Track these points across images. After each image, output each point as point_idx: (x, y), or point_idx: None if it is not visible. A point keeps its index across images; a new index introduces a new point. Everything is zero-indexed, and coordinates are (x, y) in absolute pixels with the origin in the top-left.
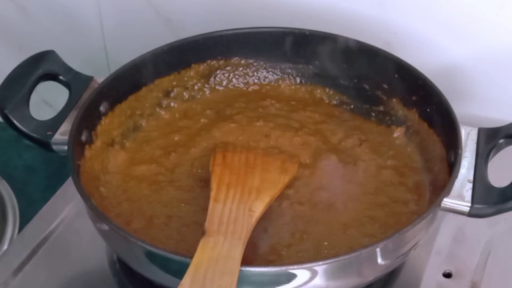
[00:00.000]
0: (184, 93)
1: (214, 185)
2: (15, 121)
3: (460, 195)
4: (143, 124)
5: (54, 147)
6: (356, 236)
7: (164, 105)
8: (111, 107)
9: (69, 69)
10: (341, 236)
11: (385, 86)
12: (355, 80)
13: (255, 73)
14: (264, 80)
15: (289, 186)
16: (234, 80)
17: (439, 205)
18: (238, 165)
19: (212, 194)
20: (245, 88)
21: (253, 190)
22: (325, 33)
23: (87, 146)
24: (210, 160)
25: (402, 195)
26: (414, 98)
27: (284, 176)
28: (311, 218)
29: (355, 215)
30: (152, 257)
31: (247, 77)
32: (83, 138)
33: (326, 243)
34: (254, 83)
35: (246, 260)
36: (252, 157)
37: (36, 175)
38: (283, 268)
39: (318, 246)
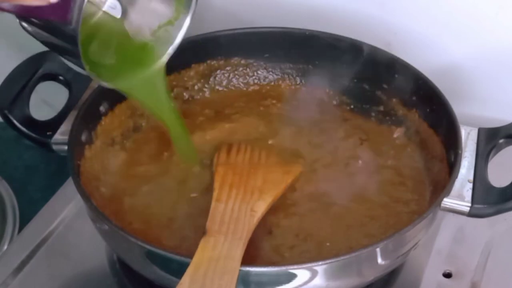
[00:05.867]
0: (184, 93)
1: (216, 184)
2: (15, 121)
3: (460, 195)
4: (143, 124)
5: (54, 147)
6: (357, 237)
7: None
8: (111, 107)
9: (69, 69)
10: (343, 237)
11: (385, 86)
12: (355, 80)
13: (255, 73)
14: (264, 80)
15: (292, 186)
16: (234, 80)
17: (439, 205)
18: (241, 165)
19: (215, 194)
20: (245, 89)
21: (255, 190)
22: (325, 33)
23: (87, 146)
24: (214, 159)
25: (403, 195)
26: (414, 98)
27: (287, 176)
28: (314, 218)
29: (357, 215)
30: (152, 257)
31: (247, 77)
32: (83, 138)
33: (328, 244)
34: (254, 83)
35: (250, 261)
36: (255, 157)
37: (36, 175)
38: (283, 268)
39: (320, 247)
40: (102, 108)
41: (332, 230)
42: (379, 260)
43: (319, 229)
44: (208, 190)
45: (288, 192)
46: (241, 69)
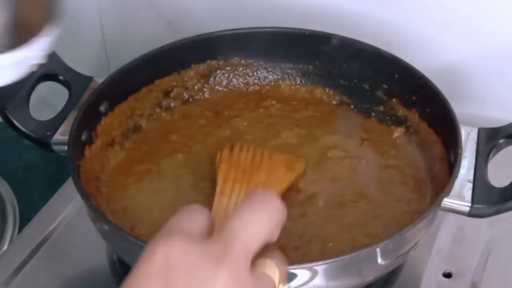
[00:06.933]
0: (184, 94)
1: (220, 180)
2: (15, 121)
3: (460, 195)
4: (143, 124)
5: (54, 147)
6: (360, 236)
7: (164, 106)
8: (111, 107)
9: (69, 69)
10: (346, 237)
11: (385, 86)
12: (355, 80)
13: (255, 73)
14: (264, 80)
15: (296, 187)
16: (234, 80)
17: (439, 205)
18: (244, 163)
19: (218, 188)
20: (245, 89)
21: (259, 186)
22: (325, 33)
23: (87, 146)
24: (217, 157)
25: (404, 194)
26: (414, 98)
27: (290, 173)
28: (318, 219)
29: (360, 215)
30: None
31: (247, 77)
32: (83, 138)
33: (331, 244)
34: (254, 83)
35: None
36: (258, 155)
37: (36, 175)
38: None
39: (323, 247)
40: (102, 108)
41: (335, 231)
42: (379, 260)
43: (322, 230)
44: (209, 190)
45: (292, 193)
46: (241, 69)
